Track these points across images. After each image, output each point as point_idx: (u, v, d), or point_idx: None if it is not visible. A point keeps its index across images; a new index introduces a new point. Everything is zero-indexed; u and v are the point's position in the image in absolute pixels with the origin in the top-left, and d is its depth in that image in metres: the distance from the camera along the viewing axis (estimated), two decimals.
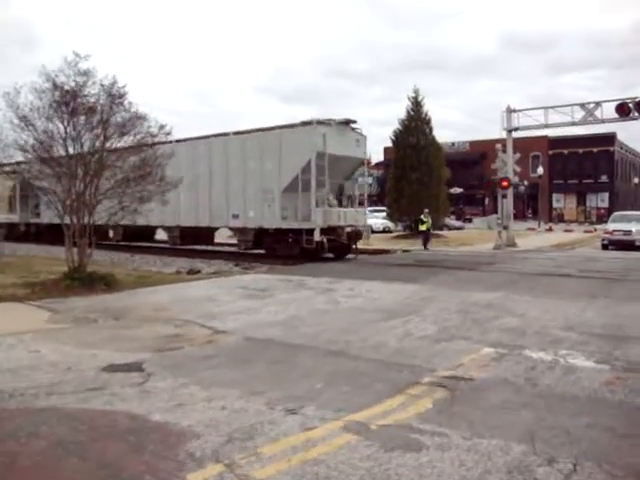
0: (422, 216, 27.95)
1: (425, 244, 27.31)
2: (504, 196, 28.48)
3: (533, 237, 37.34)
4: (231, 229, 24.75)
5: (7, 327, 9.32)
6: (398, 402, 5.60)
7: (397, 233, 39.61)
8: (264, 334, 8.73)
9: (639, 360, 7.12)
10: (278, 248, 22.29)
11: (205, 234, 26.81)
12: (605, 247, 27.42)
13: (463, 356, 7.31)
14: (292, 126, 21.71)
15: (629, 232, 26.82)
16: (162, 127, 14.48)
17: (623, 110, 24.06)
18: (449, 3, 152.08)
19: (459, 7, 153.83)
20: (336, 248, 21.81)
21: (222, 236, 28.62)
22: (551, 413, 5.27)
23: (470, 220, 58.53)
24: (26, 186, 25.50)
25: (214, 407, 5.55)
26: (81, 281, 13.51)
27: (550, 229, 48.60)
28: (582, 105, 26.28)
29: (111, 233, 27.84)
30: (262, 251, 23.50)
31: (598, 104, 25.76)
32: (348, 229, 22.04)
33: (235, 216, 23.14)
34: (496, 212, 31.24)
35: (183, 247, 26.17)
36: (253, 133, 22.75)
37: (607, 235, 27.87)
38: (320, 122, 20.84)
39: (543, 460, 4.25)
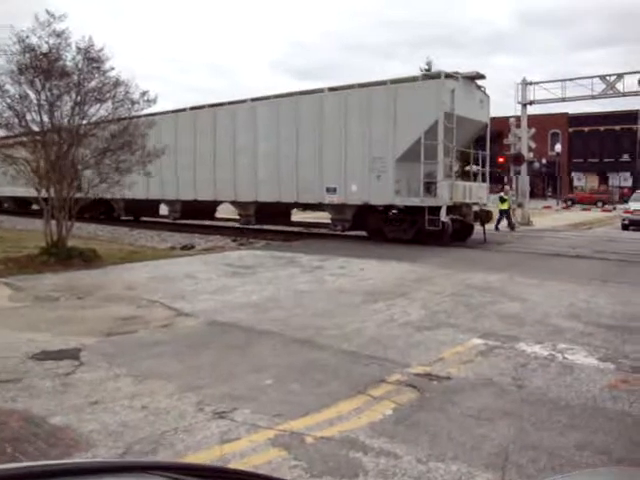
0: (502, 194, 24.90)
1: (509, 223, 24.44)
2: (517, 172, 27.14)
3: (551, 216, 35.97)
4: (324, 206, 19.75)
5: None
6: (352, 406, 4.66)
7: None
8: (230, 317, 7.83)
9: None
10: (387, 230, 18.22)
11: (283, 211, 22.56)
12: (625, 227, 26.09)
13: (446, 348, 6.34)
14: (411, 80, 17.68)
15: None
16: (144, 93, 13.51)
17: None
18: None
19: None
20: (455, 230, 17.55)
21: (223, 211, 26.72)
22: (535, 426, 4.29)
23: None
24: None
25: (134, 407, 4.66)
26: (58, 257, 12.68)
27: (567, 207, 47.04)
28: (602, 77, 24.76)
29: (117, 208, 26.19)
30: (363, 233, 19.44)
31: (620, 76, 24.31)
32: (475, 208, 18.44)
33: (331, 190, 18.77)
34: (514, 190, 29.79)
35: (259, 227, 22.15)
36: (356, 89, 18.42)
37: (628, 214, 26.54)
38: (448, 75, 17.00)
39: None
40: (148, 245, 19.12)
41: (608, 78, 24.59)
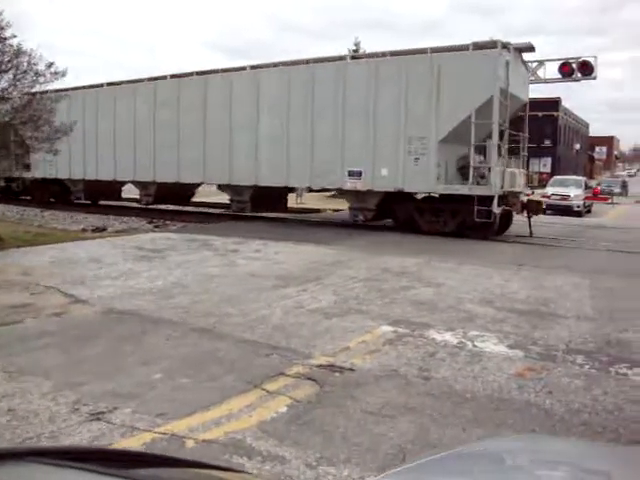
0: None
1: None
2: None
3: None
4: (343, 192, 17.26)
5: None
6: (244, 403, 4.28)
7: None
8: (130, 305, 7.30)
9: (560, 344, 5.97)
10: (422, 222, 15.75)
11: (278, 196, 19.90)
12: (543, 212, 26.71)
13: (353, 336, 6.03)
14: (459, 49, 15.04)
15: (567, 196, 26.11)
16: (50, 65, 12.65)
17: (566, 70, 22.84)
18: None
19: None
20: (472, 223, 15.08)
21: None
22: (437, 422, 4.02)
23: None
24: None
25: None
26: None
27: None
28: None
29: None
30: (389, 222, 17.07)
31: (541, 63, 24.53)
32: (523, 197, 16.43)
33: (355, 174, 16.08)
34: None
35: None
36: (389, 57, 15.89)
37: (545, 199, 27.16)
38: (504, 45, 14.66)
39: None
40: (59, 227, 18.14)
41: (530, 64, 24.88)
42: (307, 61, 17.32)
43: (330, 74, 16.51)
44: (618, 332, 6.51)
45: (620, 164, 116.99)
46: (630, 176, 79.56)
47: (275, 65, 17.85)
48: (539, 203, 15.89)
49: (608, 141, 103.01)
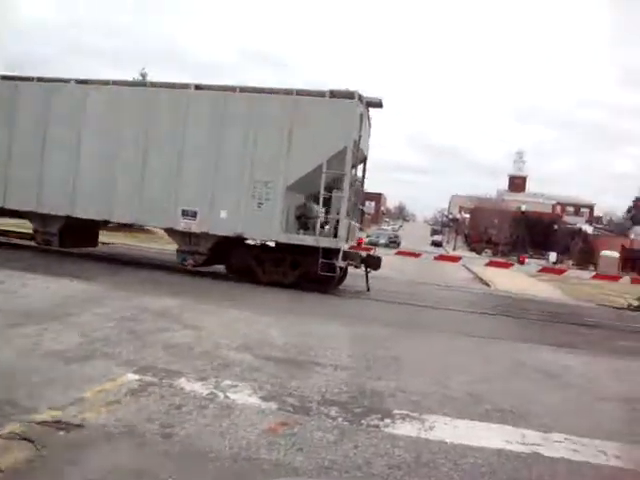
0: None
1: None
2: None
3: None
4: (175, 233, 15.29)
5: None
6: None
7: None
8: None
9: (314, 395, 5.76)
10: (261, 272, 14.68)
11: (92, 229, 17.40)
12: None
13: (91, 385, 5.27)
14: (317, 94, 14.31)
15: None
16: None
17: None
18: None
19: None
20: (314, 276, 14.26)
21: None
22: None
23: None
24: None
25: None
26: None
27: None
28: None
29: None
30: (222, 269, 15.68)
31: None
32: (362, 252, 15.66)
33: (189, 214, 14.69)
34: None
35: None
36: (239, 93, 14.65)
37: None
38: (360, 97, 14.17)
39: None
40: None
41: None
42: (144, 83, 16.03)
43: (170, 102, 15.07)
44: (373, 380, 6.51)
45: (387, 219, 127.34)
46: (394, 230, 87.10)
47: (106, 83, 15.81)
48: (378, 259, 15.30)
49: (376, 197, 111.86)
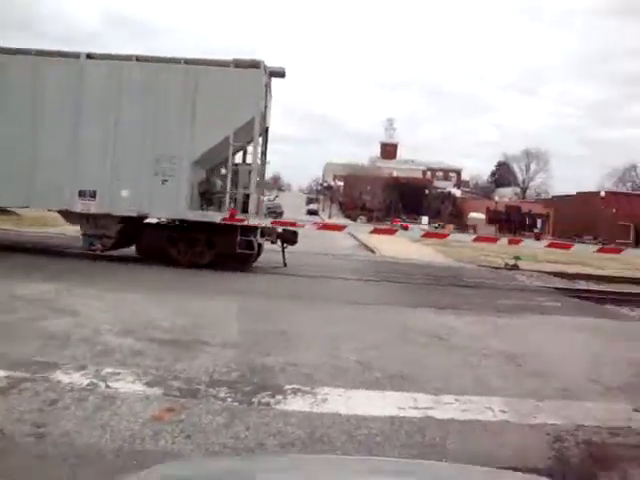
0: None
1: None
2: None
3: None
4: (72, 215, 14.17)
5: None
6: None
7: None
8: None
9: (202, 376, 5.55)
10: (175, 252, 13.71)
11: None
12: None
13: None
14: (218, 64, 13.74)
15: None
16: None
17: None
18: None
19: None
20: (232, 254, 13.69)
21: None
22: None
23: None
24: None
25: None
26: None
27: None
28: None
29: None
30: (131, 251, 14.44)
31: None
32: (279, 228, 14.74)
33: (87, 194, 13.53)
34: None
35: None
36: (136, 62, 13.74)
37: None
38: (265, 67, 13.69)
39: None
40: None
41: None
42: (29, 51, 13.99)
43: (60, 73, 13.74)
44: (262, 356, 6.37)
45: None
46: (270, 200, 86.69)
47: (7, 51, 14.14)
48: (294, 234, 14.71)
49: None
